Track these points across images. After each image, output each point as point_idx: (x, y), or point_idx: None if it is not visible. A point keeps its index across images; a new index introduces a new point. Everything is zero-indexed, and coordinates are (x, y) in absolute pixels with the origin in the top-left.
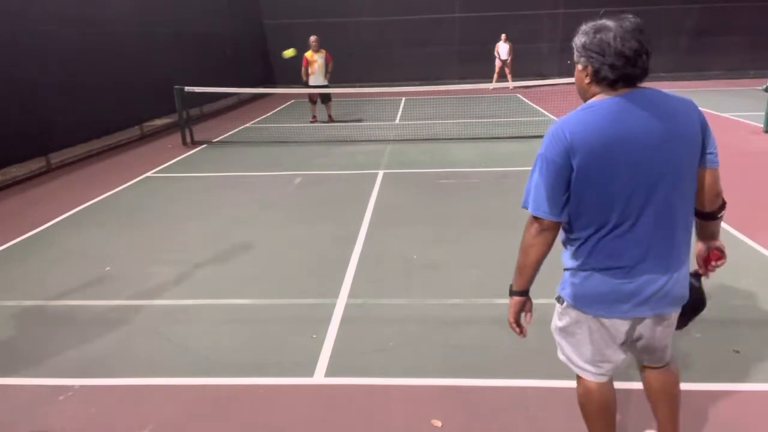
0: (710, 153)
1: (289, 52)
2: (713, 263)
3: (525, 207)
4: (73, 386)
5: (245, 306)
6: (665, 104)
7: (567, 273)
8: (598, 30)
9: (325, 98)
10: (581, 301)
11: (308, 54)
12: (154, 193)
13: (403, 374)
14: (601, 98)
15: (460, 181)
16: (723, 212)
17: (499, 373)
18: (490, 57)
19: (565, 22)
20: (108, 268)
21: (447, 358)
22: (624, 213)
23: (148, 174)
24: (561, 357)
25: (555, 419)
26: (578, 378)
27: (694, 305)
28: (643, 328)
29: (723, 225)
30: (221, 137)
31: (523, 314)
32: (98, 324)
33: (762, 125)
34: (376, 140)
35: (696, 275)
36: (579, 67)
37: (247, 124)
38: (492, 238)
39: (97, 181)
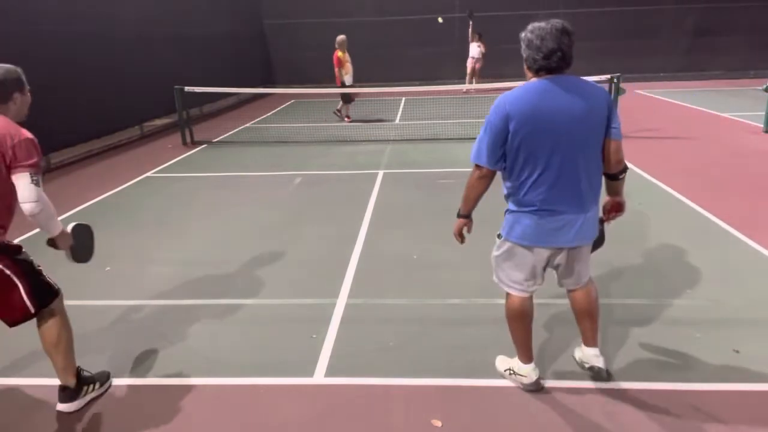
0: (614, 128)
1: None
2: (612, 214)
3: (474, 160)
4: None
5: (245, 306)
6: (581, 88)
7: (507, 216)
8: (531, 31)
9: (350, 97)
10: (516, 236)
11: (340, 54)
12: (154, 193)
13: (403, 374)
14: (533, 80)
15: (460, 181)
16: (623, 175)
17: (499, 373)
18: (490, 57)
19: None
20: (108, 268)
21: (447, 358)
22: (545, 167)
23: (148, 174)
24: (494, 279)
25: (555, 419)
26: (507, 294)
27: (596, 242)
28: (561, 257)
29: (722, 224)
30: (221, 137)
31: (465, 229)
32: (98, 324)
33: (762, 125)
34: (376, 140)
35: (600, 221)
36: (524, 52)
37: (247, 124)
38: (492, 238)
39: (97, 181)
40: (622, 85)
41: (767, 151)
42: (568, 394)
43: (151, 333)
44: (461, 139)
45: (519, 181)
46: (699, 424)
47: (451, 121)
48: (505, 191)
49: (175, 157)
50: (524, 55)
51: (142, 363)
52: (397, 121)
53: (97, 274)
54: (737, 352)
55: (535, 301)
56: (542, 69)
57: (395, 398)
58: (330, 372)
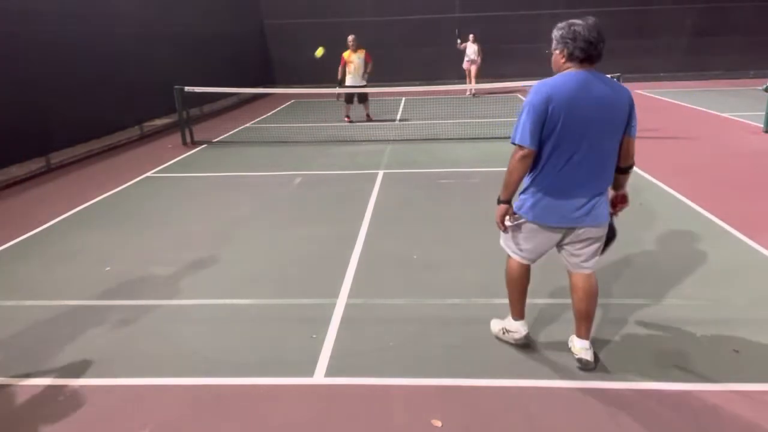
0: (633, 125)
1: (319, 52)
2: (619, 206)
3: (514, 141)
4: (73, 386)
5: (245, 306)
6: (611, 84)
7: (525, 194)
8: (570, 25)
9: (362, 98)
10: (535, 215)
11: (346, 54)
12: (154, 193)
13: (403, 374)
14: (572, 70)
15: (460, 181)
16: (631, 170)
17: (499, 373)
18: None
19: None
20: (108, 268)
21: (447, 358)
22: (574, 152)
23: (148, 174)
24: (501, 243)
25: (555, 419)
26: (509, 257)
27: (608, 237)
28: (572, 236)
29: (722, 224)
30: (221, 137)
31: (507, 217)
32: (98, 324)
33: (762, 125)
34: (376, 140)
35: (609, 215)
36: (557, 52)
37: (247, 124)
38: (492, 238)
39: (97, 181)
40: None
41: (767, 151)
42: (568, 394)
43: (151, 333)
44: (461, 139)
45: (547, 162)
46: (699, 424)
47: (451, 121)
48: (529, 175)
49: (175, 157)
50: (568, 47)
51: (141, 363)
52: (397, 121)
53: (97, 274)
54: (737, 352)
55: (538, 301)
56: (587, 59)
57: (395, 398)
58: (330, 372)
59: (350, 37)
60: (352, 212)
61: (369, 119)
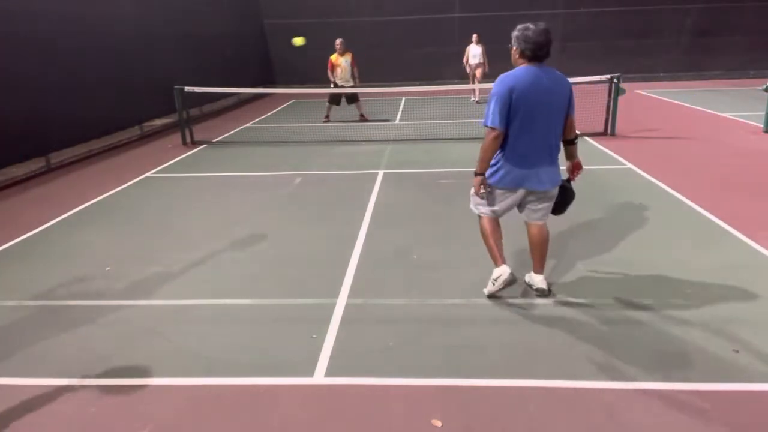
0: (572, 107)
1: (298, 41)
2: (576, 172)
3: (485, 124)
4: (73, 386)
5: (245, 306)
6: (556, 75)
7: (495, 167)
8: (525, 29)
9: (352, 99)
10: (497, 181)
11: (333, 57)
12: (154, 193)
13: (403, 374)
14: (525, 65)
15: (460, 181)
16: (576, 141)
17: (499, 373)
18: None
19: (565, 22)
20: (108, 268)
21: (447, 358)
22: (528, 130)
23: (148, 174)
24: (471, 206)
25: (555, 419)
26: (480, 216)
27: (567, 197)
28: (531, 196)
29: (723, 224)
30: (221, 137)
31: (482, 186)
32: (98, 324)
33: (762, 125)
34: (376, 140)
35: (567, 180)
36: (514, 48)
37: (247, 124)
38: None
39: (97, 181)
40: (622, 85)
41: (767, 151)
42: (568, 394)
43: (151, 333)
44: (461, 139)
45: (511, 139)
46: (699, 424)
47: (451, 121)
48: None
49: (175, 157)
50: (521, 47)
51: (141, 363)
52: (397, 121)
53: (98, 274)
54: (737, 352)
55: (540, 301)
56: (535, 57)
57: (395, 398)
58: (330, 372)
59: (338, 41)
60: (352, 212)
61: (364, 119)
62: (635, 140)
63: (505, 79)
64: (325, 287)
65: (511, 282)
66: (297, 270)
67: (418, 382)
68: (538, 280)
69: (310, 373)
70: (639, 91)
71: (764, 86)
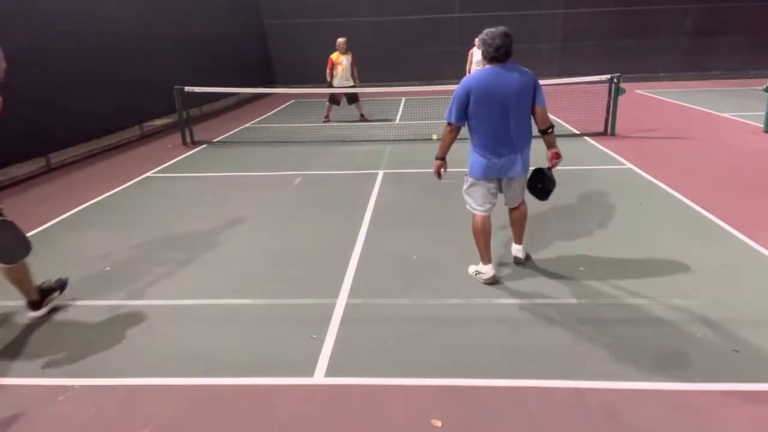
0: (539, 97)
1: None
2: (554, 161)
3: (446, 119)
4: (73, 386)
5: (245, 306)
6: (517, 72)
7: (469, 160)
8: (486, 34)
9: (352, 99)
10: (474, 172)
11: (334, 56)
12: (154, 193)
13: (403, 374)
14: (487, 66)
15: (460, 181)
16: (551, 131)
17: (499, 373)
18: None
19: (565, 22)
20: (108, 268)
21: (447, 358)
22: (491, 124)
23: (148, 174)
24: (467, 206)
25: (555, 419)
26: (473, 215)
27: (548, 184)
28: (505, 184)
29: (722, 224)
30: (221, 137)
31: (442, 170)
32: (98, 324)
33: (762, 125)
34: (376, 140)
35: (548, 169)
36: (481, 51)
37: (247, 124)
38: (492, 239)
39: (97, 181)
40: (622, 85)
41: (767, 151)
42: (568, 394)
43: (151, 333)
44: (461, 139)
45: (476, 133)
46: (699, 424)
47: None
48: (470, 144)
49: (175, 157)
50: (482, 50)
51: (141, 363)
52: (397, 121)
53: (97, 274)
54: (737, 352)
55: (540, 301)
56: (494, 59)
57: (395, 398)
58: (330, 372)
59: (341, 40)
60: (352, 212)
61: (364, 119)
62: (635, 140)
63: (465, 82)
64: (325, 287)
65: (492, 283)
66: (297, 270)
67: (418, 382)
68: (517, 249)
69: (310, 373)
70: (639, 91)
71: (764, 86)
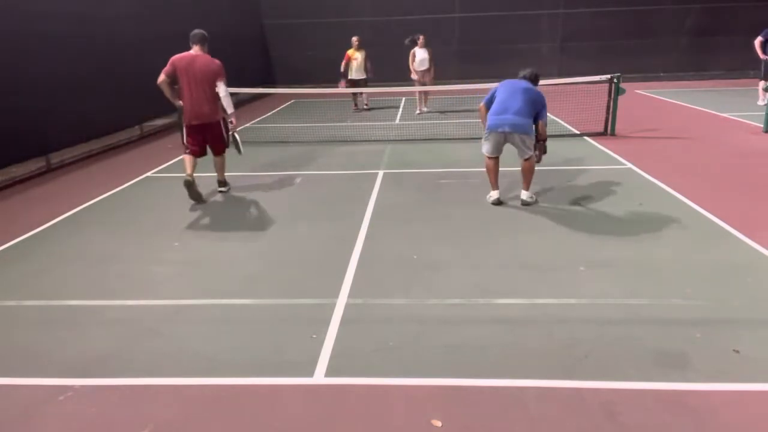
0: (540, 113)
1: None
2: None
3: (481, 103)
4: (73, 386)
5: (245, 306)
6: (526, 84)
7: (487, 124)
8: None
9: (362, 84)
10: (488, 128)
11: (350, 51)
12: (154, 193)
13: (403, 374)
14: (506, 80)
15: (460, 181)
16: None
17: (499, 373)
18: (490, 57)
19: (565, 22)
20: (108, 268)
21: (447, 358)
22: (501, 103)
23: (148, 174)
24: (482, 150)
25: (555, 419)
26: (485, 156)
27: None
28: (510, 137)
29: (722, 224)
30: None
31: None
32: (98, 324)
33: (762, 125)
34: (376, 140)
35: (537, 140)
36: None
37: (247, 124)
38: (492, 238)
39: (97, 181)
40: (622, 85)
41: (767, 151)
42: (568, 394)
43: (151, 333)
44: (461, 139)
45: (492, 108)
46: (699, 424)
47: (451, 121)
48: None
49: (175, 157)
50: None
51: (141, 363)
52: (397, 121)
53: (97, 274)
54: (737, 352)
55: (540, 301)
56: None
57: (395, 398)
58: (330, 372)
59: (354, 38)
60: (352, 212)
61: (366, 107)
62: (635, 140)
63: (495, 88)
64: (325, 287)
65: (498, 203)
66: (297, 270)
67: (418, 382)
68: (524, 195)
69: (310, 373)
70: (639, 91)
71: (764, 86)
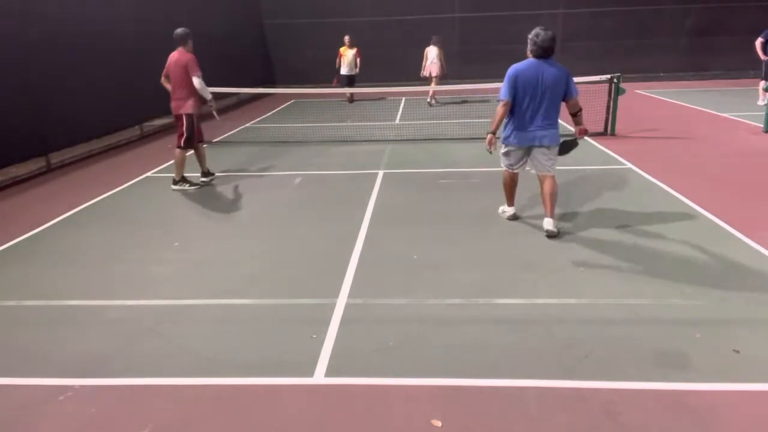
0: (571, 88)
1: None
2: (581, 135)
3: (499, 98)
4: (73, 386)
5: (245, 306)
6: (555, 66)
7: (504, 132)
8: (535, 35)
9: (351, 82)
10: (509, 142)
11: (342, 49)
12: (154, 193)
13: (403, 374)
14: (531, 59)
15: (460, 181)
16: (580, 113)
17: (499, 373)
18: (490, 57)
19: (565, 22)
20: (109, 268)
21: (447, 358)
22: (527, 104)
23: (148, 174)
24: (501, 164)
25: (555, 419)
26: (504, 171)
27: (572, 144)
28: (533, 152)
29: (722, 224)
30: (221, 137)
31: (493, 141)
32: (98, 324)
33: (762, 125)
34: (376, 140)
35: (574, 139)
36: (528, 45)
37: (247, 124)
38: (492, 238)
39: (97, 181)
40: (622, 85)
41: (767, 151)
42: (568, 394)
43: (151, 333)
44: (461, 139)
45: (518, 110)
46: (699, 424)
47: (451, 121)
48: (506, 119)
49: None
50: (529, 47)
51: (142, 363)
52: (397, 121)
53: (97, 274)
54: (737, 352)
55: (540, 301)
56: (539, 55)
57: (395, 398)
58: (330, 372)
59: (346, 37)
60: (352, 212)
61: (350, 100)
62: (635, 140)
63: (513, 67)
64: (325, 287)
65: (513, 218)
66: (297, 270)
67: (418, 382)
68: (547, 222)
69: (310, 373)
70: (639, 91)
71: (765, 86)
